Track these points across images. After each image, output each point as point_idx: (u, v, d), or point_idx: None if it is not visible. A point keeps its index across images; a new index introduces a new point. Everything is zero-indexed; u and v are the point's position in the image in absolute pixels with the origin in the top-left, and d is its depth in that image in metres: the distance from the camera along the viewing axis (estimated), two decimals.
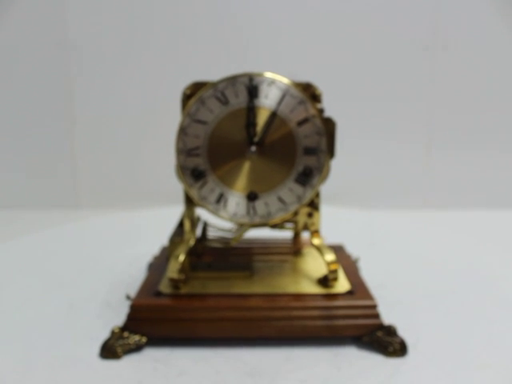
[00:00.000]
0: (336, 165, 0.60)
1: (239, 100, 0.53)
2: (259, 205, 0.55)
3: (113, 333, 0.52)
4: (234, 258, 0.66)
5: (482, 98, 1.16)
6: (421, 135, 1.18)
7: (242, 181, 0.55)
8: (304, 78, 0.55)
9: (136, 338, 0.53)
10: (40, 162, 1.18)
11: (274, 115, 0.53)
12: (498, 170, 1.18)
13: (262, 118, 0.53)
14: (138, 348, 0.52)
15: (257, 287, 0.57)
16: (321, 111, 0.54)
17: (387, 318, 0.56)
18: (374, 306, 0.54)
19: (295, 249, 0.69)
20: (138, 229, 1.01)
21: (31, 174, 1.19)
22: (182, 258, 0.56)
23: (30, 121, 1.16)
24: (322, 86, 0.55)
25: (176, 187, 0.68)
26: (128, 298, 0.56)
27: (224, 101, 0.53)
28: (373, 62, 1.14)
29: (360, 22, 1.12)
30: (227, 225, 0.64)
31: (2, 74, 1.14)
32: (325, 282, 0.57)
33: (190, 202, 0.58)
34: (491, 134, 1.17)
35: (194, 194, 0.55)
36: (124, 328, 0.53)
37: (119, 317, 0.59)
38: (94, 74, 1.14)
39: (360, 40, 1.13)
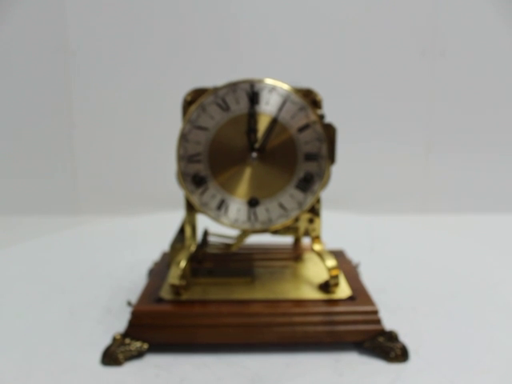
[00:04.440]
0: (336, 170, 0.61)
1: (240, 106, 0.53)
2: (260, 211, 0.55)
3: (114, 339, 0.52)
4: (234, 263, 0.66)
5: (481, 103, 1.16)
6: (420, 140, 1.18)
7: (243, 187, 0.55)
8: (304, 84, 0.55)
9: (137, 344, 0.53)
10: (39, 168, 1.18)
11: (274, 121, 0.53)
12: (498, 175, 1.19)
13: (262, 125, 0.54)
14: (139, 354, 0.52)
15: (258, 293, 0.57)
16: (321, 117, 0.54)
17: (388, 323, 0.56)
18: (375, 312, 0.54)
19: (296, 254, 0.69)
20: (138, 234, 1.01)
21: (31, 180, 1.18)
22: (183, 264, 0.56)
23: (29, 127, 1.16)
24: (322, 92, 0.56)
25: (176, 193, 0.69)
26: (129, 304, 0.56)
27: (225, 107, 0.53)
28: (372, 68, 1.14)
29: (358, 27, 1.12)
30: (228, 231, 0.64)
31: (1, 79, 1.14)
32: (326, 287, 0.57)
33: (190, 208, 0.58)
34: (490, 139, 1.18)
35: (194, 200, 0.55)
36: (125, 334, 0.53)
37: (120, 323, 0.59)
38: (94, 79, 1.15)
39: (359, 46, 1.13)
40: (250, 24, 1.12)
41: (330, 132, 0.55)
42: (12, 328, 0.60)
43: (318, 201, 0.58)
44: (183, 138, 0.54)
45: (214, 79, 0.59)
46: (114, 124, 1.17)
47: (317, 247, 0.59)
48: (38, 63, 1.13)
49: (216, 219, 0.56)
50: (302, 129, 0.54)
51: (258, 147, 0.54)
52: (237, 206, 0.55)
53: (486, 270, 0.79)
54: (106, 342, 0.54)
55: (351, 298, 0.56)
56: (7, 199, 1.18)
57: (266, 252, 0.70)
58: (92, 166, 1.19)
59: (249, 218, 0.56)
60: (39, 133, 1.17)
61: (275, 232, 0.60)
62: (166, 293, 0.57)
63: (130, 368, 0.51)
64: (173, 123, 0.69)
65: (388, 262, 0.82)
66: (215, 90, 0.53)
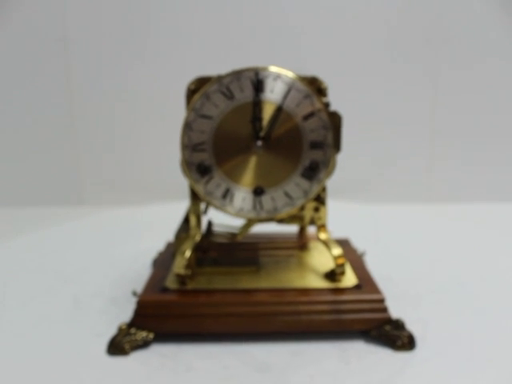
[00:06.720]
0: (341, 159, 0.60)
1: (244, 94, 0.53)
2: (266, 200, 0.55)
3: (120, 329, 0.52)
4: (240, 253, 0.66)
5: (486, 91, 1.15)
6: (425, 129, 1.17)
7: (248, 176, 0.55)
8: (309, 71, 0.55)
9: (143, 334, 0.53)
10: (43, 159, 1.18)
11: (279, 109, 0.53)
12: (503, 163, 1.18)
13: (267, 113, 0.53)
14: (145, 344, 0.52)
15: (263, 282, 0.57)
16: (326, 105, 0.54)
17: (394, 311, 0.56)
18: (381, 300, 0.54)
19: (301, 243, 0.69)
20: (143, 224, 1.01)
21: (34, 172, 1.18)
22: (188, 253, 0.56)
23: (31, 118, 1.16)
24: (327, 80, 0.55)
25: (181, 182, 0.68)
26: (134, 294, 0.56)
27: (229, 95, 0.53)
28: (377, 56, 1.13)
29: (363, 15, 1.11)
30: (233, 220, 0.63)
31: (2, 70, 1.14)
32: (332, 276, 0.57)
33: (195, 198, 0.58)
34: (495, 127, 1.17)
35: (199, 189, 0.55)
36: (131, 324, 0.53)
37: (125, 313, 0.59)
38: (96, 69, 1.14)
39: (363, 34, 1.12)
40: (253, 11, 1.11)
41: (335, 120, 0.54)
42: (17, 319, 0.60)
43: (324, 189, 0.58)
44: (187, 126, 0.53)
45: (218, 67, 0.59)
46: (117, 114, 1.16)
47: (322, 236, 0.59)
48: (39, 53, 1.12)
49: (221, 208, 0.55)
50: (307, 117, 0.53)
51: (262, 135, 0.54)
52: (242, 195, 0.55)
53: (492, 259, 0.78)
54: (111, 332, 0.54)
55: (357, 287, 0.56)
56: (11, 191, 1.18)
57: (272, 241, 0.70)
58: (95, 157, 1.19)
59: (254, 207, 0.55)
60: (42, 124, 1.16)
61: (281, 221, 0.60)
62: (171, 282, 0.57)
63: (136, 357, 0.51)
64: (177, 112, 0.68)
65: (394, 251, 0.82)
66: (219, 79, 0.52)
